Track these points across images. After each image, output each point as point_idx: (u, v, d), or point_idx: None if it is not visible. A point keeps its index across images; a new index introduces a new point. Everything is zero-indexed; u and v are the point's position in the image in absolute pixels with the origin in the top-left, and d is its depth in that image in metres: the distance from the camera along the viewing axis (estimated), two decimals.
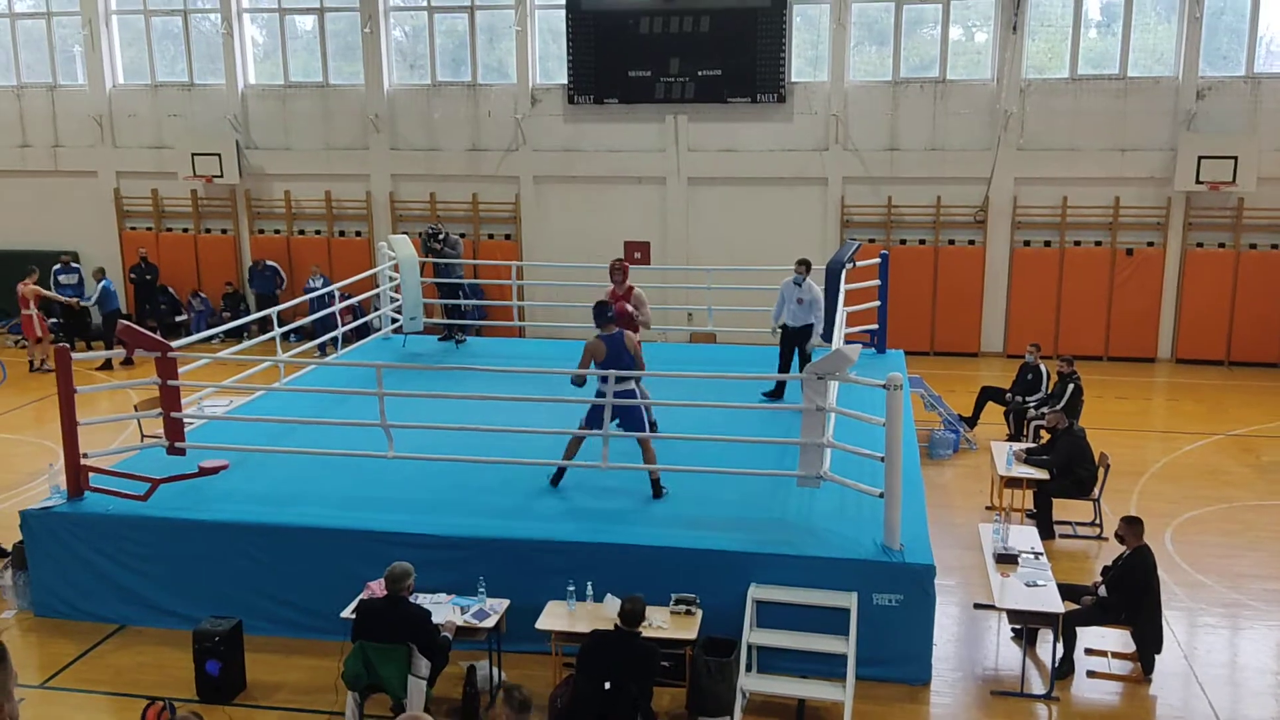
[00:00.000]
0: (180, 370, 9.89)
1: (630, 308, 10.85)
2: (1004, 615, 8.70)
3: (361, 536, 8.84)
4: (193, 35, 20.50)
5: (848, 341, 11.72)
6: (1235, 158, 17.21)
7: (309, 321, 14.83)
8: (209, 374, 12.52)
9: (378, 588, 7.89)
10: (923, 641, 8.32)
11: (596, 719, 7.03)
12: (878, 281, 14.46)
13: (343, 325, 14.61)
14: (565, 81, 19.16)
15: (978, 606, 9.15)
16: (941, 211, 18.63)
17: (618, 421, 9.46)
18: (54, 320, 19.12)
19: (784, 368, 12.19)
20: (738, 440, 9.85)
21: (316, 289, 18.77)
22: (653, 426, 10.73)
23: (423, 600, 7.92)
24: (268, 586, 9.02)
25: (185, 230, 21.15)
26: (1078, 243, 18.44)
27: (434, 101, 19.85)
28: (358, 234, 20.54)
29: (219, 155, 20.02)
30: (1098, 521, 11.16)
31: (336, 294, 14.91)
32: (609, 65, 18.85)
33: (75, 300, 19.43)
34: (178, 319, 20.50)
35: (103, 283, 19.35)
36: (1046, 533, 10.71)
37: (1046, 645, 8.54)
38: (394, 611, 7.36)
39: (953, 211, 18.64)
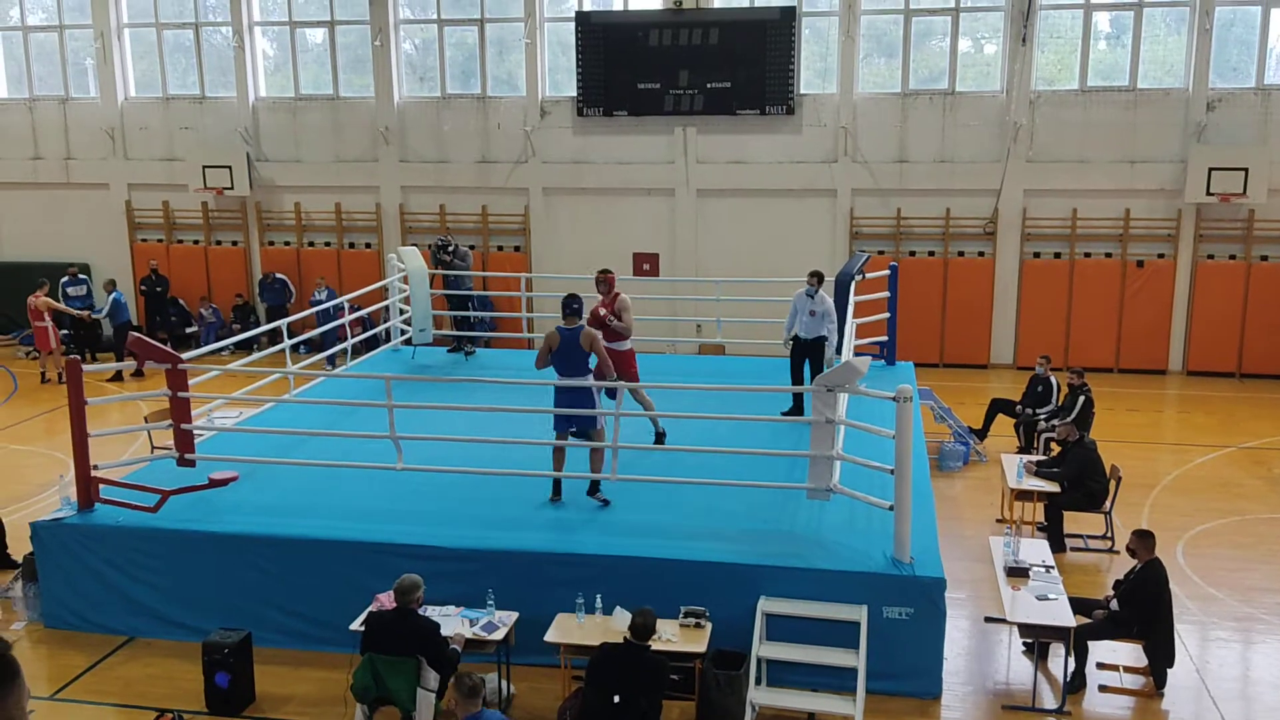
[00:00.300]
0: (190, 382, 9.91)
1: (603, 311, 10.81)
2: (1015, 629, 8.65)
3: (370, 549, 8.84)
4: (204, 48, 20.62)
5: (857, 353, 11.72)
6: (1246, 169, 17.18)
7: (317, 334, 14.86)
8: (219, 386, 12.58)
9: (387, 600, 7.88)
10: (933, 655, 8.28)
11: None
12: (887, 293, 14.44)
13: (352, 337, 14.63)
14: (574, 94, 19.22)
15: (989, 620, 9.11)
16: (951, 223, 18.61)
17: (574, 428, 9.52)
18: (65, 332, 19.19)
19: (795, 380, 12.15)
20: (746, 452, 9.83)
21: (321, 301, 18.85)
22: (660, 436, 10.75)
23: (432, 613, 7.91)
24: (277, 598, 9.02)
25: (196, 242, 21.23)
26: (1088, 254, 18.41)
27: (444, 114, 19.92)
28: (368, 246, 20.60)
29: (230, 167, 20.11)
30: (1109, 535, 11.11)
31: (346, 306, 14.94)
32: (618, 78, 18.90)
33: (86, 312, 19.50)
34: (188, 331, 20.56)
35: (113, 295, 19.42)
36: (1057, 546, 10.66)
37: (1058, 659, 8.49)
38: (403, 624, 7.35)
39: (962, 223, 18.62)
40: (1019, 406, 14.12)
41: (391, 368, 14.20)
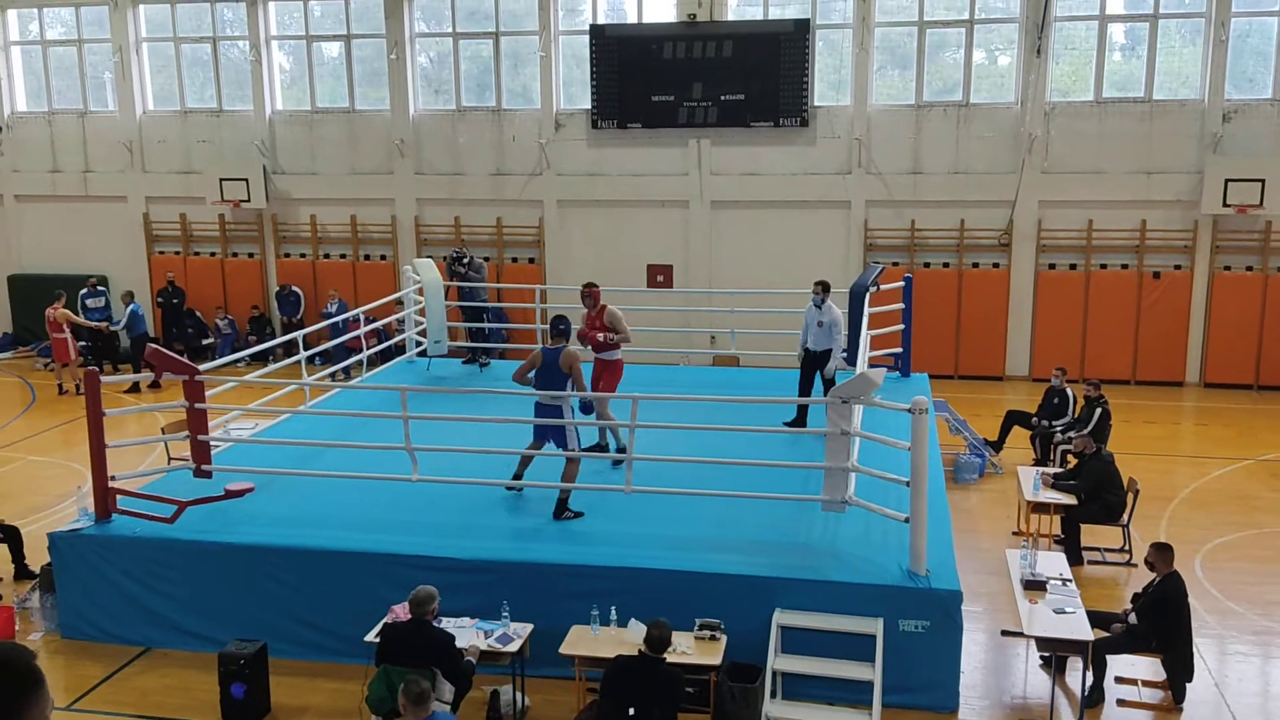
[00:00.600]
0: (207, 393, 9.96)
1: (600, 337, 10.80)
2: (1032, 642, 8.60)
3: (386, 560, 8.86)
4: (221, 62, 20.77)
5: (872, 365, 11.70)
6: (1263, 180, 17.11)
7: (331, 346, 14.92)
8: (235, 397, 12.64)
9: (402, 611, 7.89)
10: (950, 668, 8.23)
11: None
12: (901, 305, 14.42)
13: (367, 348, 14.68)
14: (589, 106, 19.28)
15: (1005, 633, 9.06)
16: (965, 235, 18.58)
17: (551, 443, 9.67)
18: (83, 344, 19.31)
19: (804, 393, 12.12)
20: (761, 464, 9.82)
21: (332, 314, 18.91)
22: (598, 448, 10.73)
23: (447, 624, 7.92)
24: (293, 609, 9.04)
25: (213, 254, 21.35)
26: (1104, 266, 18.35)
27: (459, 126, 20.01)
28: (383, 258, 20.68)
29: (246, 180, 20.23)
30: (1127, 548, 11.04)
31: (361, 317, 15.00)
32: (632, 90, 18.95)
33: (104, 324, 19.62)
34: (204, 342, 20.67)
35: (131, 306, 19.55)
36: (1075, 559, 10.60)
37: (1076, 673, 8.43)
38: (418, 635, 7.36)
39: (976, 235, 18.59)
40: (1035, 418, 14.06)
41: (406, 379, 14.25)
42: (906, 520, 8.29)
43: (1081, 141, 18.02)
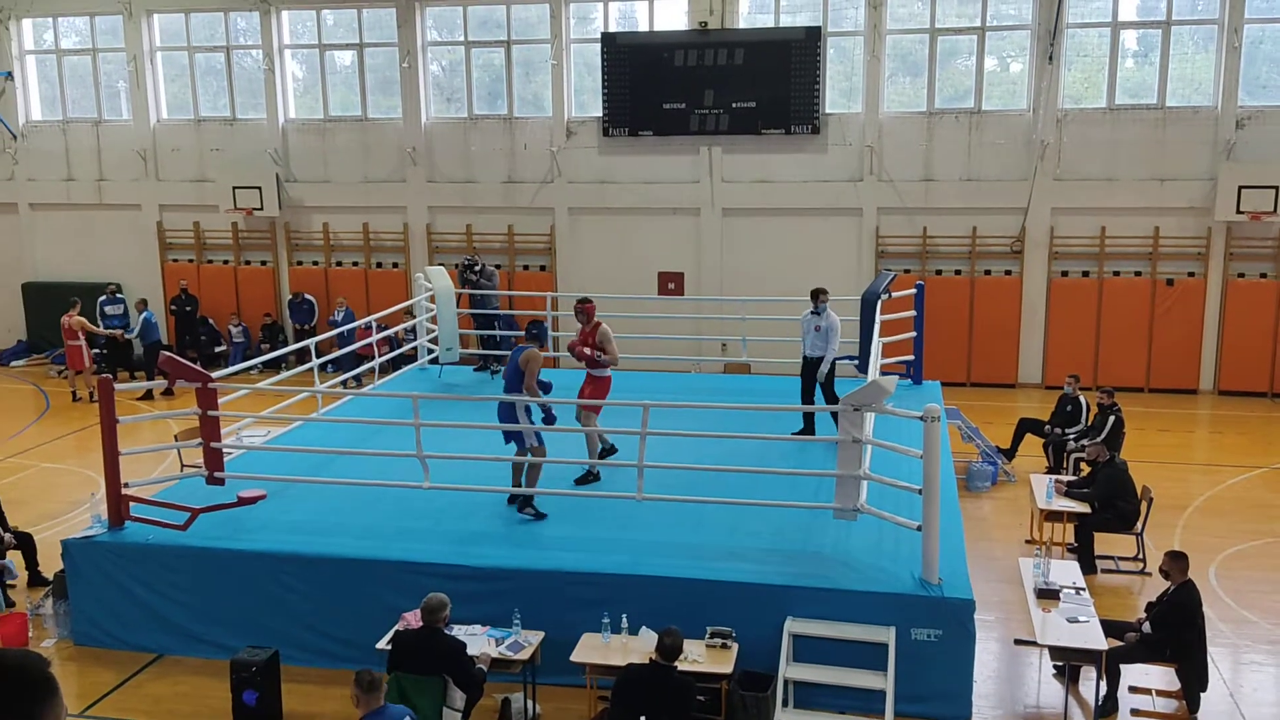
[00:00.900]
0: (220, 400, 9.99)
1: (587, 352, 10.84)
2: (1046, 652, 8.56)
3: (397, 567, 8.87)
4: (235, 71, 20.88)
5: (884, 373, 11.66)
6: (1276, 187, 17.02)
7: (341, 354, 14.95)
8: (248, 404, 12.67)
9: (413, 619, 7.89)
10: (963, 678, 8.20)
11: None
12: (913, 312, 14.39)
13: (379, 356, 14.71)
14: (600, 114, 19.31)
15: (1019, 642, 9.02)
16: (977, 242, 18.54)
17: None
18: (97, 351, 19.39)
19: (807, 399, 12.10)
20: (773, 472, 9.80)
21: (339, 322, 18.98)
22: (605, 453, 10.76)
23: (458, 632, 7.92)
24: (305, 617, 9.06)
25: (225, 262, 21.44)
26: (1117, 273, 18.28)
27: (470, 135, 20.07)
28: (395, 265, 20.74)
29: (259, 188, 20.31)
30: (1141, 556, 10.98)
31: (374, 325, 15.04)
32: (643, 98, 18.98)
33: (119, 332, 19.70)
34: (217, 350, 20.75)
35: (144, 314, 19.65)
36: (1088, 567, 10.55)
37: (1089, 683, 8.39)
38: (430, 643, 7.36)
39: (989, 242, 18.54)
40: (1048, 426, 14.02)
41: (418, 387, 14.27)
42: (919, 528, 8.27)
43: (1094, 148, 17.97)
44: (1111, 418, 12.98)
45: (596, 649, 8.04)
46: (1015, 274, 18.59)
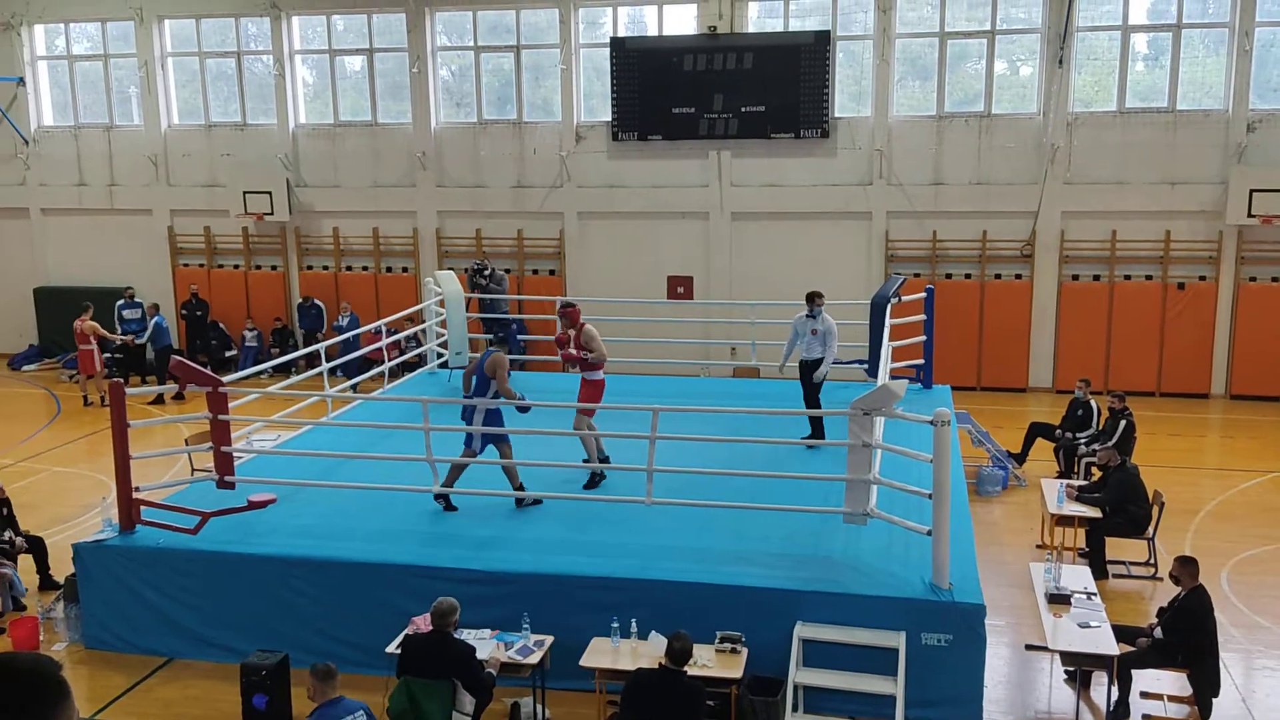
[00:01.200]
0: (230, 405, 10.02)
1: (575, 352, 10.87)
2: (1057, 657, 8.53)
3: (407, 571, 8.88)
4: (245, 76, 20.96)
5: (894, 377, 11.65)
6: None
7: (350, 359, 14.97)
8: (258, 409, 12.70)
9: (423, 623, 7.90)
10: (973, 683, 8.16)
11: None
12: (923, 316, 14.37)
13: (389, 360, 14.74)
14: (609, 119, 19.33)
15: (1030, 648, 8.99)
16: (988, 246, 18.50)
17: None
18: (108, 355, 19.45)
19: (811, 404, 12.06)
20: (782, 476, 9.79)
21: (343, 326, 19.03)
22: (595, 478, 10.79)
23: (467, 636, 7.91)
24: (315, 620, 9.07)
25: (236, 267, 21.51)
26: (1128, 277, 18.22)
27: (480, 139, 20.10)
28: (404, 270, 20.78)
29: (270, 193, 20.37)
30: (1152, 561, 10.94)
31: (384, 329, 15.06)
32: (653, 102, 18.99)
33: (130, 337, 19.74)
34: (228, 354, 20.80)
35: (155, 319, 19.71)
36: (1100, 572, 10.49)
37: (1101, 688, 8.36)
38: (439, 647, 7.36)
39: (999, 246, 18.51)
40: (1059, 430, 13.97)
41: (428, 391, 14.30)
42: (929, 533, 8.25)
43: (1105, 152, 17.92)
44: (1123, 422, 12.94)
45: (606, 653, 8.03)
46: (1026, 278, 18.55)
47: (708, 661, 7.79)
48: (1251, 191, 17.05)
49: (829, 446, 10.90)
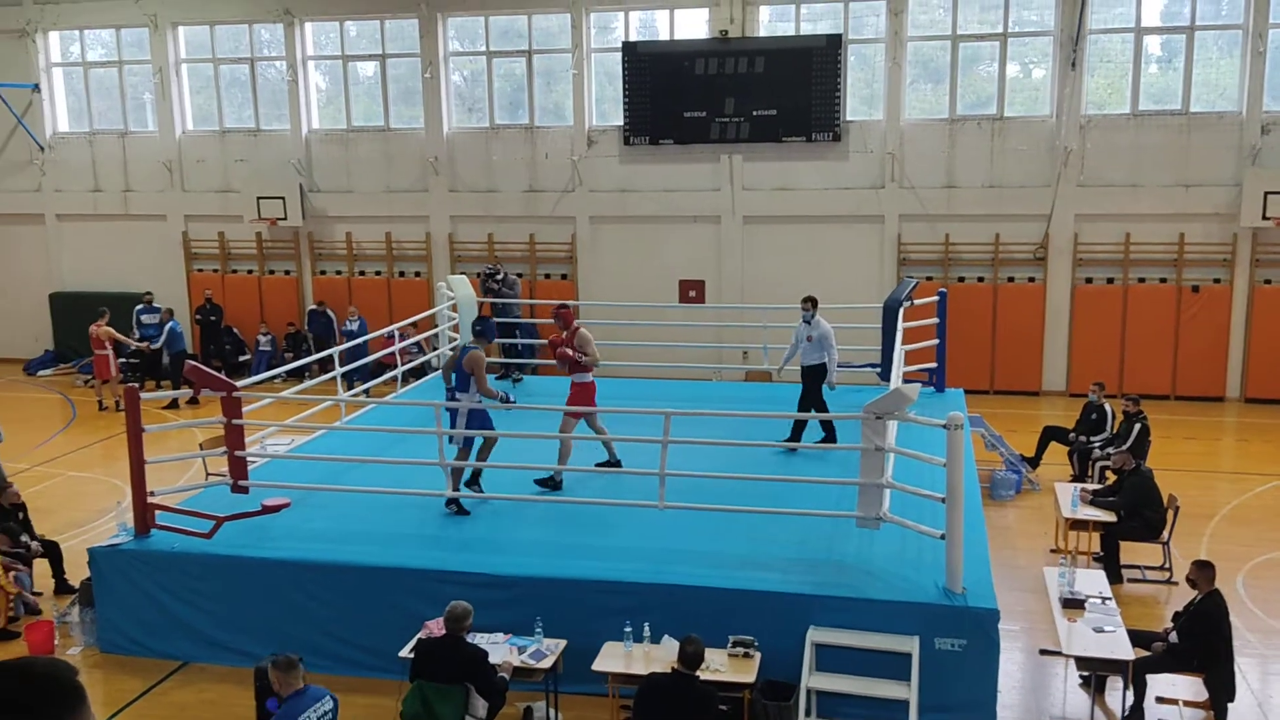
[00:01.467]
0: (244, 409, 10.06)
1: (570, 352, 10.94)
2: (1071, 662, 8.49)
3: (420, 575, 8.89)
4: (259, 82, 21.05)
5: (906, 380, 11.63)
6: None
7: (365, 363, 15.01)
8: (272, 413, 12.75)
9: (436, 627, 7.91)
10: (987, 688, 8.13)
11: None
12: (936, 320, 14.34)
13: (401, 365, 14.78)
14: (621, 123, 19.35)
15: (1044, 652, 8.95)
16: (1000, 249, 18.45)
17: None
18: (123, 359, 19.55)
19: (814, 408, 12.02)
20: (795, 480, 9.78)
21: (353, 331, 19.08)
22: (613, 463, 10.86)
23: (480, 640, 7.92)
24: (328, 624, 9.09)
25: (250, 272, 21.59)
26: (1142, 279, 18.15)
27: (492, 144, 20.15)
28: (417, 274, 20.83)
29: (283, 198, 20.45)
30: (1167, 565, 10.89)
31: (397, 334, 15.11)
32: (664, 106, 19.01)
33: (147, 343, 19.82)
34: (241, 359, 20.88)
35: (170, 324, 19.80)
36: (1114, 577, 10.45)
37: (1116, 693, 8.32)
38: (452, 651, 7.37)
39: (1012, 249, 18.45)
40: (1073, 434, 13.92)
41: (440, 395, 14.30)
42: (942, 537, 8.22)
43: (1118, 154, 17.86)
44: (1137, 425, 12.88)
45: (619, 658, 8.03)
46: (1039, 281, 18.49)
47: (720, 666, 7.78)
48: (1266, 194, 16.97)
49: (840, 450, 10.89)
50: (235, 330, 21.22)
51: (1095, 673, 8.29)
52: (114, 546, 9.57)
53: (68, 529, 12.20)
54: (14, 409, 17.30)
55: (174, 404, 17.96)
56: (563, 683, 8.23)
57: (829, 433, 11.88)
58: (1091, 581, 9.18)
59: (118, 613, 9.55)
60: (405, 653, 8.03)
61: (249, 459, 10.12)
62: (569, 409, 10.76)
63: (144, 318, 20.14)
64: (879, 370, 13.56)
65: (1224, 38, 17.78)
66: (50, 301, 22.30)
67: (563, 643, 8.17)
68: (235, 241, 21.50)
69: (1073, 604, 8.61)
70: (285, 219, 20.56)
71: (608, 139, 19.59)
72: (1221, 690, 8.15)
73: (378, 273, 21.03)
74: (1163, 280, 18.08)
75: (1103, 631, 8.25)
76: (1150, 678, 8.32)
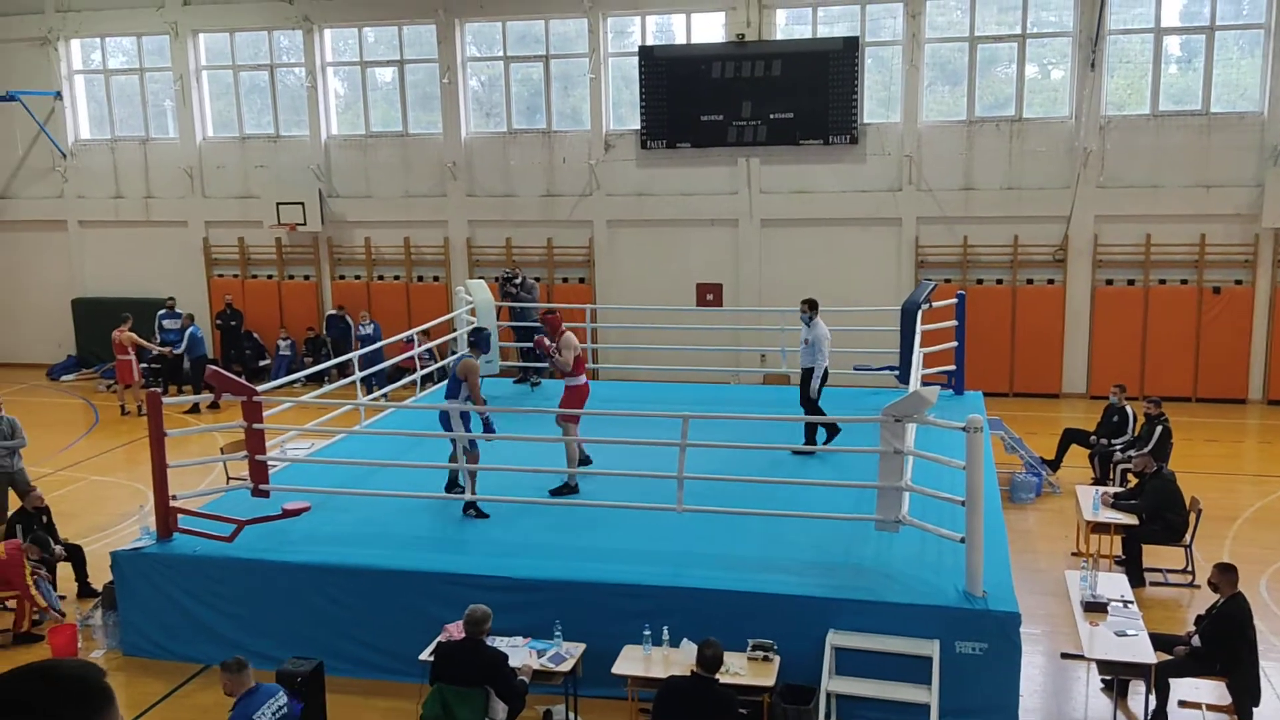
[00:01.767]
0: (264, 414, 10.11)
1: (548, 342, 11.18)
2: (1093, 666, 8.44)
3: (440, 579, 8.92)
4: (278, 89, 21.18)
5: (925, 383, 11.59)
6: None
7: (378, 369, 15.04)
8: (292, 417, 12.81)
9: (455, 630, 7.93)
10: (1008, 692, 8.10)
11: None
12: (954, 322, 14.29)
13: (420, 369, 14.82)
14: (638, 127, 19.37)
15: (1066, 656, 8.90)
16: (1019, 250, 18.37)
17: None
18: (144, 365, 19.67)
19: (815, 410, 11.98)
20: (813, 483, 9.76)
21: (368, 335, 19.14)
22: (584, 461, 10.87)
23: (499, 643, 7.95)
24: (348, 628, 9.13)
25: (270, 277, 21.71)
26: (1162, 281, 18.03)
27: (510, 149, 20.20)
28: (435, 279, 20.90)
29: (303, 204, 20.55)
30: (1189, 568, 10.81)
31: (415, 338, 15.15)
32: (681, 110, 19.01)
33: (169, 348, 19.95)
34: (261, 364, 20.99)
35: (190, 329, 19.93)
36: (1136, 580, 10.38)
37: (1138, 697, 8.27)
38: (472, 654, 7.39)
39: (1030, 250, 18.37)
40: (1093, 437, 13.83)
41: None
42: (962, 540, 8.19)
43: (1138, 155, 17.76)
44: (1159, 428, 12.80)
45: (638, 661, 8.04)
46: (1058, 283, 18.40)
47: (740, 669, 7.78)
48: None
49: (858, 454, 10.85)
50: (255, 335, 21.34)
51: (1117, 677, 8.24)
52: (136, 550, 9.64)
53: (91, 533, 12.29)
54: (37, 414, 17.43)
55: (195, 408, 18.07)
56: (582, 686, 8.24)
57: (830, 433, 11.84)
58: (1113, 585, 9.12)
59: (140, 616, 9.62)
60: (425, 656, 8.05)
61: (270, 463, 10.17)
62: (560, 410, 10.77)
63: (165, 323, 20.29)
64: (897, 373, 13.52)
65: (1244, 37, 17.66)
66: (73, 307, 22.49)
67: (582, 646, 8.18)
68: (255, 247, 21.62)
69: (1094, 608, 8.56)
70: (304, 224, 20.67)
71: (625, 143, 19.62)
72: (1245, 694, 8.09)
73: (396, 277, 21.12)
74: (1184, 282, 17.97)
75: (1125, 635, 8.20)
76: (1173, 682, 8.26)
